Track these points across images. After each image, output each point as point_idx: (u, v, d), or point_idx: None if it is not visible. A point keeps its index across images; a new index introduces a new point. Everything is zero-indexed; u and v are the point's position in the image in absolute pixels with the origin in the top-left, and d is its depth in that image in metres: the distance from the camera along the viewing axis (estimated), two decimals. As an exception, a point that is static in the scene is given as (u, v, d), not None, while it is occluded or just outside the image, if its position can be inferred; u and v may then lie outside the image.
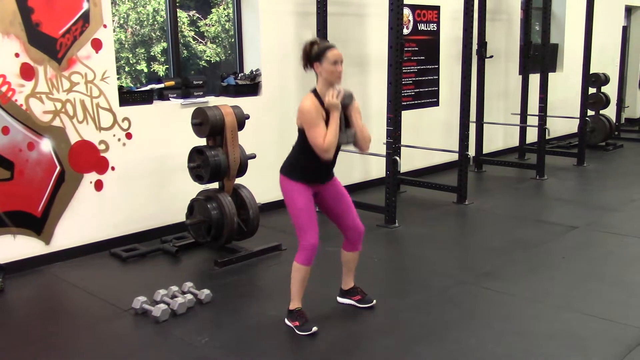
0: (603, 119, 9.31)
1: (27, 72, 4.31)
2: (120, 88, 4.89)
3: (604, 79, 9.23)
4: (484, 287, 4.06)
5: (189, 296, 3.76)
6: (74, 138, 4.59)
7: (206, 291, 3.86)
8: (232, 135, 4.57)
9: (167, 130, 5.11)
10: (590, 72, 8.41)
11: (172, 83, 5.26)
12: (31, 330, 3.55)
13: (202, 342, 3.34)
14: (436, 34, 7.45)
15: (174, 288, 3.86)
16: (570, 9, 9.73)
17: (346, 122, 3.38)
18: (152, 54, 5.79)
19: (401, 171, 6.21)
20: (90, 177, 4.72)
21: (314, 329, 3.39)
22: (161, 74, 5.69)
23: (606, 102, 9.36)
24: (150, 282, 4.14)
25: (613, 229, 5.32)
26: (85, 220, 4.71)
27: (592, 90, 9.00)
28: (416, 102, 7.36)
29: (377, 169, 6.62)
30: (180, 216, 4.95)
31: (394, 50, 5.23)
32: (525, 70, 8.38)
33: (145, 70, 5.75)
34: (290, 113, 5.94)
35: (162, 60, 5.78)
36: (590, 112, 8.82)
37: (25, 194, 4.39)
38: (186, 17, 5.99)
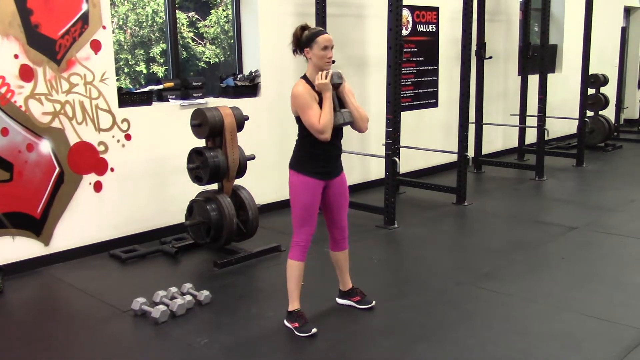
0: (602, 120, 9.31)
1: (26, 74, 4.31)
2: (119, 89, 4.89)
3: (603, 80, 9.23)
4: (483, 287, 4.06)
5: (188, 297, 3.76)
6: (73, 139, 4.59)
7: (205, 292, 3.86)
8: (232, 137, 4.57)
9: (167, 131, 5.11)
10: (589, 73, 8.42)
11: (171, 84, 5.27)
12: (30, 332, 3.55)
13: (201, 343, 3.34)
14: (435, 35, 7.46)
15: (173, 289, 3.86)
16: (569, 9, 9.74)
17: (340, 103, 3.40)
18: (151, 55, 5.80)
19: (400, 172, 6.22)
20: (90, 179, 4.72)
21: (314, 330, 3.39)
22: (160, 75, 5.69)
23: (605, 102, 9.37)
24: (149, 283, 4.14)
25: (612, 229, 5.32)
26: (84, 221, 4.71)
27: (591, 91, 9.00)
28: (415, 103, 7.36)
29: (376, 169, 6.62)
30: (179, 217, 4.95)
31: (393, 51, 5.23)
32: (524, 71, 8.38)
33: (145, 71, 5.75)
34: (289, 114, 5.94)
35: (162, 61, 5.78)
36: (589, 113, 8.84)
37: (25, 195, 4.39)
38: (185, 19, 6.00)
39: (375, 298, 3.78)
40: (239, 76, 5.73)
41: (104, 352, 3.31)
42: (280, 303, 3.63)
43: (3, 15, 4.16)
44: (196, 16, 6.15)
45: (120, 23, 5.67)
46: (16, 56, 4.25)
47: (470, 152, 6.53)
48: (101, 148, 4.75)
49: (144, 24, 5.77)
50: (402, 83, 6.87)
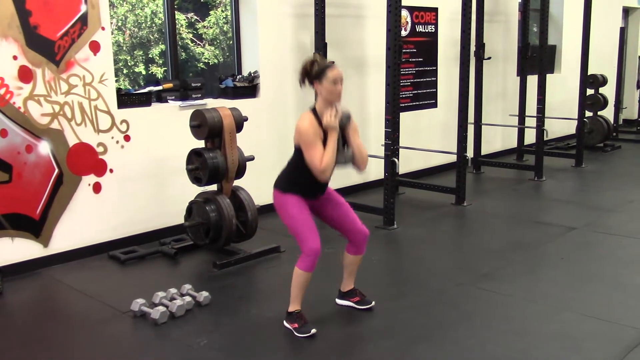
0: (601, 120, 9.32)
1: (25, 75, 4.30)
2: (118, 90, 4.89)
3: (601, 80, 9.24)
4: (482, 288, 4.06)
5: (188, 298, 3.76)
6: (72, 140, 4.59)
7: (205, 293, 3.86)
8: (231, 138, 4.57)
9: (166, 132, 5.11)
10: (588, 74, 8.42)
11: (170, 85, 5.27)
12: (29, 333, 3.55)
13: (200, 344, 3.34)
14: (434, 35, 7.46)
15: (173, 290, 3.86)
16: (568, 10, 9.74)
17: (344, 141, 3.39)
18: (150, 56, 5.80)
19: (400, 173, 6.22)
20: (89, 180, 4.72)
21: (313, 330, 3.39)
22: (159, 76, 5.69)
23: (604, 103, 9.37)
24: (148, 284, 4.13)
25: (611, 229, 5.32)
26: (83, 222, 4.71)
27: (590, 92, 9.01)
28: (414, 103, 7.36)
29: (375, 170, 6.62)
30: (178, 218, 4.95)
31: (392, 51, 5.23)
32: (523, 72, 8.39)
33: (144, 72, 5.76)
34: (288, 115, 5.95)
35: (161, 62, 5.79)
36: (588, 113, 8.84)
37: (24, 197, 4.39)
38: (184, 20, 6.00)
39: (375, 298, 3.78)
40: (238, 77, 5.73)
41: (103, 353, 3.30)
42: (280, 304, 3.63)
43: (2, 16, 4.16)
44: (195, 17, 6.15)
45: (119, 24, 5.67)
46: (15, 57, 4.25)
47: (470, 153, 6.53)
48: (100, 149, 4.75)
49: (143, 25, 5.77)
50: (401, 84, 6.87)
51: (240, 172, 4.70)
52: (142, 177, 5.00)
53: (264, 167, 5.62)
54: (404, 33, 6.95)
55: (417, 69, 7.33)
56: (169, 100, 5.23)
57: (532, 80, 7.81)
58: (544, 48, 7.28)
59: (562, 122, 9.21)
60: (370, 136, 6.63)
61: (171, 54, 5.47)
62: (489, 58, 7.66)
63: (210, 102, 5.38)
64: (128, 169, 4.91)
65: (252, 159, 4.82)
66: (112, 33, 5.17)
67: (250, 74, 5.76)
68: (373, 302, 3.75)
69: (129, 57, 5.73)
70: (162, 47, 5.69)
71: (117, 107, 4.82)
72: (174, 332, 3.48)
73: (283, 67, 5.86)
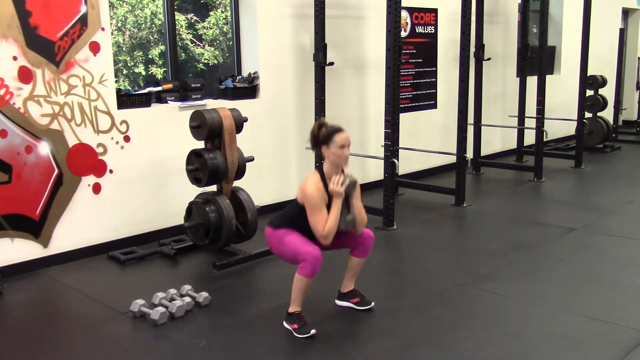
0: (600, 121, 9.32)
1: (25, 75, 4.30)
2: (118, 91, 4.89)
3: (601, 81, 9.25)
4: (482, 289, 4.06)
5: (187, 299, 3.76)
6: (72, 141, 4.59)
7: (204, 294, 3.86)
8: (230, 138, 4.57)
9: (165, 133, 5.11)
10: (588, 75, 8.43)
11: (170, 86, 5.27)
12: (29, 334, 3.55)
13: (200, 345, 3.34)
14: (434, 36, 7.47)
15: (172, 291, 3.86)
16: (567, 11, 9.75)
17: (346, 205, 3.44)
18: (150, 56, 5.80)
19: (399, 173, 6.23)
20: (88, 180, 4.72)
21: (312, 331, 3.39)
22: (159, 76, 5.70)
23: (603, 104, 9.37)
24: (148, 285, 4.13)
25: (611, 231, 5.33)
26: (83, 223, 4.71)
27: (589, 93, 9.01)
28: (414, 104, 7.37)
29: (375, 171, 6.62)
30: (178, 219, 4.95)
31: (391, 52, 5.24)
32: (522, 73, 8.39)
33: (143, 73, 5.76)
34: (288, 115, 5.96)
35: (160, 63, 5.79)
36: (587, 115, 8.85)
37: (23, 197, 4.39)
38: (184, 20, 6.01)
39: (374, 299, 3.78)
40: (237, 78, 5.73)
41: (102, 353, 3.30)
42: (280, 304, 3.63)
43: (2, 16, 4.16)
44: (195, 18, 6.16)
45: (119, 25, 5.68)
46: (15, 58, 4.25)
47: (469, 154, 6.53)
48: (100, 150, 4.75)
49: (143, 25, 5.78)
50: (401, 84, 6.88)
51: (240, 172, 4.70)
52: (142, 177, 5.01)
53: (263, 168, 5.64)
54: (403, 34, 6.96)
55: (416, 69, 7.33)
56: (168, 101, 5.23)
57: (532, 81, 7.82)
58: (544, 49, 7.28)
59: (561, 123, 9.22)
60: (370, 137, 6.64)
61: (171, 54, 5.47)
62: (489, 59, 7.67)
63: (210, 103, 5.38)
64: (128, 170, 4.91)
65: (251, 159, 4.82)
66: (112, 34, 5.17)
67: (250, 74, 5.76)
68: (373, 303, 3.75)
69: (129, 58, 5.74)
70: (162, 47, 5.70)
71: (117, 108, 4.82)
72: (173, 333, 3.48)
73: (283, 68, 5.86)
